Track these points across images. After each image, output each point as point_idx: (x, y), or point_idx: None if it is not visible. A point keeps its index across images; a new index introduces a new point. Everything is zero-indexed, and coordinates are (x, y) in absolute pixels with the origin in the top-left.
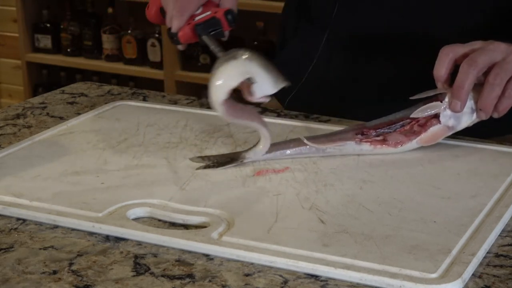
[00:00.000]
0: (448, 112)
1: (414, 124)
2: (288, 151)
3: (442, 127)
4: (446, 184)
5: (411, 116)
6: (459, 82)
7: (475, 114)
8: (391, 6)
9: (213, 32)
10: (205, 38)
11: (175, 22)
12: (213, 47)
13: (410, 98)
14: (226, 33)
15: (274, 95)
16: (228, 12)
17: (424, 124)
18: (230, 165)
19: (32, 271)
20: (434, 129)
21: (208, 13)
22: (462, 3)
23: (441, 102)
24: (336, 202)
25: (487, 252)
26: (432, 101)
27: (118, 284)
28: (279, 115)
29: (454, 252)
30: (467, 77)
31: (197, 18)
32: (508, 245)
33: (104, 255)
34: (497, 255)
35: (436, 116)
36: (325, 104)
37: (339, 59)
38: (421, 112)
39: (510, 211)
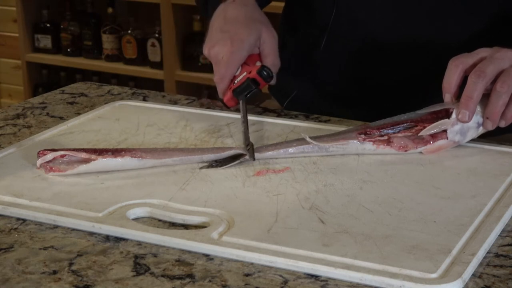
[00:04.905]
0: (456, 128)
1: (420, 128)
2: (291, 150)
3: (448, 142)
4: (446, 184)
5: (420, 134)
6: (468, 92)
7: (480, 128)
8: (390, 9)
9: (248, 95)
10: (241, 102)
11: (218, 89)
12: (242, 114)
13: (418, 112)
14: (273, 80)
15: (274, 96)
16: (262, 69)
17: (432, 137)
18: (231, 165)
19: (32, 271)
20: (440, 143)
21: (244, 74)
22: (464, 6)
23: (449, 118)
24: (336, 202)
25: (487, 252)
26: (439, 113)
27: (118, 284)
28: (279, 115)
29: (454, 252)
30: (476, 87)
31: (236, 80)
32: (508, 245)
33: (104, 255)
34: (497, 255)
35: (444, 131)
36: (324, 105)
37: (338, 61)
38: (428, 131)
39: (510, 211)
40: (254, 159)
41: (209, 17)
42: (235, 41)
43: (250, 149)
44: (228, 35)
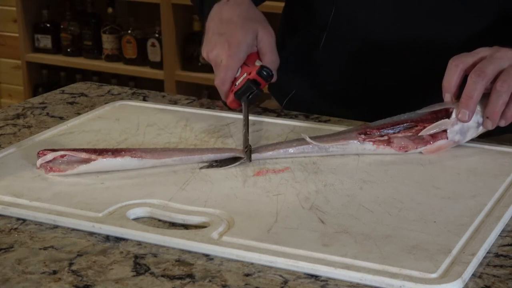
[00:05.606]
0: (456, 128)
1: (420, 127)
2: (291, 150)
3: (448, 142)
4: (446, 184)
5: (420, 134)
6: (468, 92)
7: (480, 128)
8: (390, 9)
9: (251, 96)
10: (243, 104)
11: (220, 92)
12: (244, 117)
13: (418, 111)
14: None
15: (273, 95)
16: (261, 69)
17: (432, 137)
18: (231, 165)
19: (32, 271)
20: (440, 143)
21: (244, 75)
22: (464, 6)
23: (449, 118)
24: (336, 202)
25: (487, 252)
26: (439, 112)
27: (118, 284)
28: (279, 115)
29: (454, 252)
30: (476, 87)
31: (237, 82)
32: (508, 245)
33: (104, 255)
34: (497, 255)
35: (444, 131)
36: (324, 105)
37: (338, 61)
38: (428, 131)
39: (510, 211)
40: (250, 161)
41: (205, 18)
42: (232, 44)
43: (248, 151)
44: (225, 38)
